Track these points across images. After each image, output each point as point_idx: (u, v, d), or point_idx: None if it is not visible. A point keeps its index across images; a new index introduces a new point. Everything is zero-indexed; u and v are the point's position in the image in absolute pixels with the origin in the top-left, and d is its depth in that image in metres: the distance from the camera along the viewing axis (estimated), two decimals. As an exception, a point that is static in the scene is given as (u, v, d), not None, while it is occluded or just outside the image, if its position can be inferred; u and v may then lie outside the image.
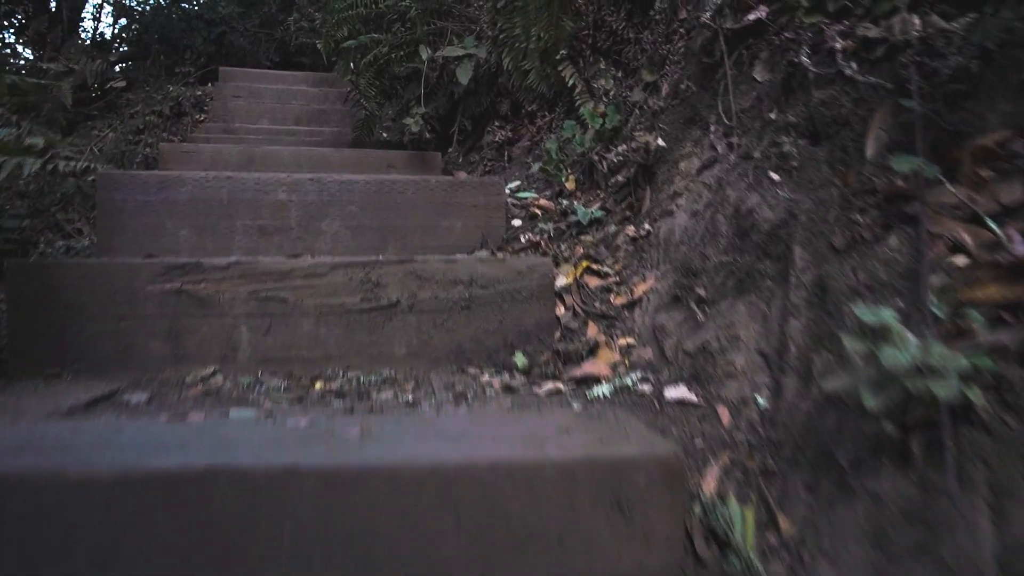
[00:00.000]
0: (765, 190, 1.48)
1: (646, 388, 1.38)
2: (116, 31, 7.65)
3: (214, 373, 1.61)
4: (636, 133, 2.09)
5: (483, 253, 2.22)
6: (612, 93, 2.44)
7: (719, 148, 1.81)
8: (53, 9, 6.65)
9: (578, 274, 1.82)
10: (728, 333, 1.37)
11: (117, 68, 7.20)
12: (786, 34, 1.68)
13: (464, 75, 3.07)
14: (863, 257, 1.15)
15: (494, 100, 3.31)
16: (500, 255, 2.04)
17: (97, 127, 5.81)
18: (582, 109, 2.58)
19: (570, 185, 2.44)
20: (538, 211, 2.39)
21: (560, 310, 1.75)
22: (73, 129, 5.79)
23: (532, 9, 2.80)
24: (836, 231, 1.23)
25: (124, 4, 8.05)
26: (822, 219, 1.28)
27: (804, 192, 1.39)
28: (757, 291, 1.36)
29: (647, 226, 1.89)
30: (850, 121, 1.39)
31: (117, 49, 7.26)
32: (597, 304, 1.75)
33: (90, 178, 4.12)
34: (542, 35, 2.71)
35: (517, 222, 2.37)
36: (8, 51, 5.14)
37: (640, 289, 1.72)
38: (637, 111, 2.24)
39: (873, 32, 1.38)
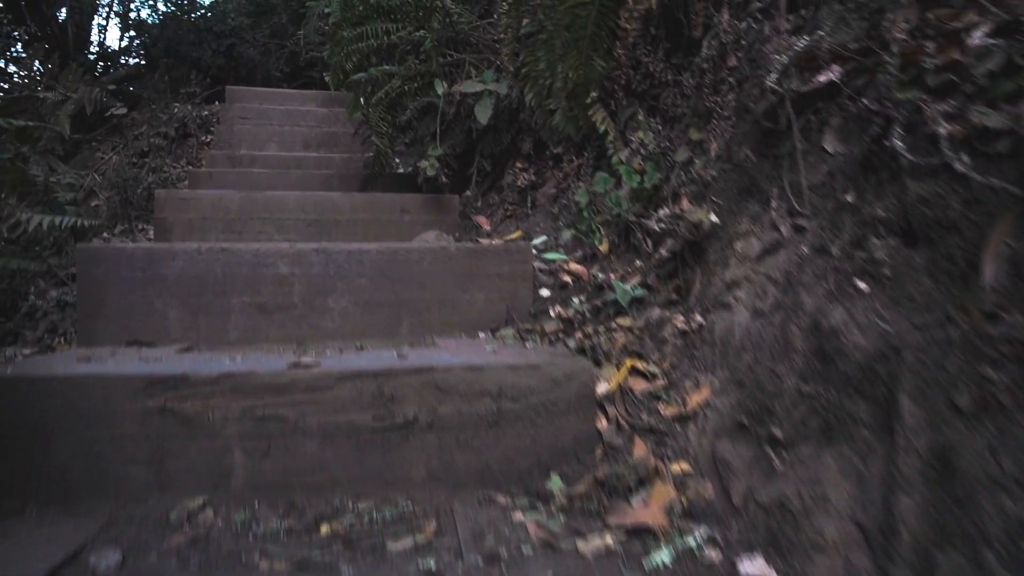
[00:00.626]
0: (852, 304, 1.24)
1: (714, 556, 1.15)
2: (123, 45, 7.47)
3: (203, 506, 1.39)
4: (684, 207, 1.85)
5: (508, 331, 1.99)
6: (651, 147, 2.20)
7: (783, 230, 1.57)
8: (61, 21, 6.47)
9: (621, 379, 1.59)
10: (813, 491, 1.13)
11: (127, 85, 7.03)
12: (865, 101, 1.44)
13: (483, 114, 2.84)
14: (1004, 433, 0.91)
15: (515, 138, 3.08)
16: (530, 344, 1.81)
17: (101, 149, 5.63)
18: (614, 158, 2.35)
19: (603, 247, 2.20)
20: (569, 278, 2.16)
21: (602, 423, 1.52)
22: (77, 151, 5.62)
23: (558, 45, 2.56)
24: (959, 386, 0.99)
25: (132, 18, 7.89)
26: (937, 363, 1.04)
27: (905, 314, 1.15)
28: (849, 441, 1.12)
29: (699, 317, 1.65)
30: (959, 226, 1.15)
31: (124, 64, 7.08)
32: (644, 416, 1.51)
33: (94, 203, 3.93)
34: (570, 75, 2.47)
35: (545, 292, 2.14)
36: (14, 68, 4.94)
37: (694, 400, 1.48)
38: (681, 172, 2.00)
39: (994, 120, 1.13)
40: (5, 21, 5.57)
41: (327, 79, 3.21)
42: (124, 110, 4.41)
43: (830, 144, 1.54)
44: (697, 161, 1.96)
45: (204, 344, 1.88)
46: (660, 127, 2.32)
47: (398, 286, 1.99)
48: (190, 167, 5.08)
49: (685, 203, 1.94)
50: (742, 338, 1.49)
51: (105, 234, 4.11)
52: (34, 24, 5.79)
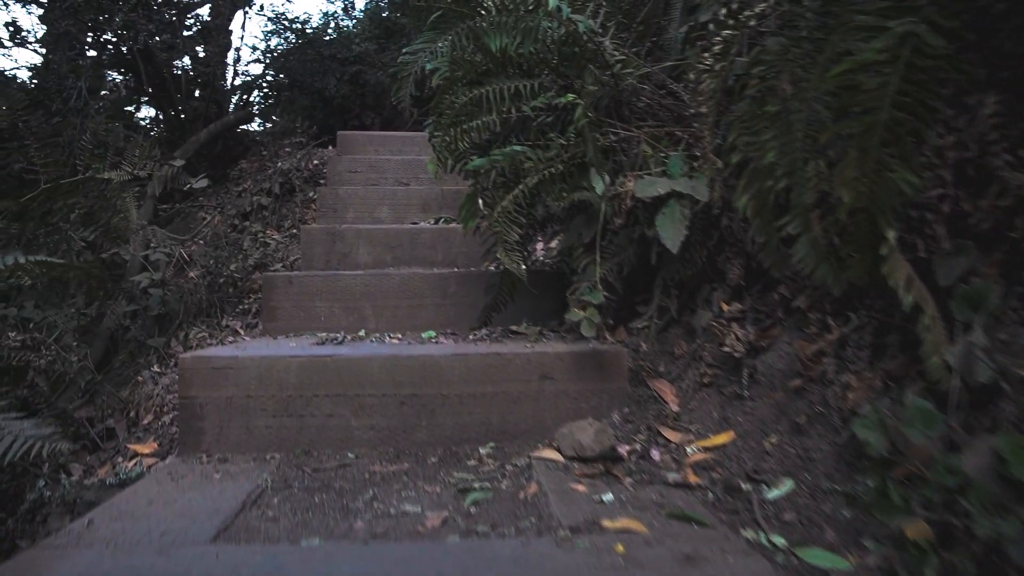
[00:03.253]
0: None
1: None
2: (239, 83, 6.95)
3: None
4: None
5: None
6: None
7: None
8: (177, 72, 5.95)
9: None
10: None
11: (255, 124, 6.47)
12: None
13: (671, 234, 1.76)
14: None
15: (713, 254, 1.97)
16: None
17: (205, 208, 5.02)
18: (934, 358, 1.23)
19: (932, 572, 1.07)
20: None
21: None
22: (178, 214, 5.03)
23: (800, 127, 1.46)
24: None
25: (262, 48, 7.39)
26: None
27: None
28: None
29: None
30: None
31: (242, 105, 6.52)
32: None
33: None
34: (844, 194, 1.34)
35: None
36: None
37: None
38: None
39: None
40: (105, 66, 5.03)
41: (428, 166, 2.23)
42: (205, 182, 3.67)
43: None
44: None
45: None
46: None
47: None
48: (286, 235, 4.32)
49: None
50: None
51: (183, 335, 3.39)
52: (145, 74, 5.23)
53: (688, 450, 1.69)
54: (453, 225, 3.57)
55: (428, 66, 2.14)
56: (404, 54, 2.13)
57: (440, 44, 2.13)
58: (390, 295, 2.73)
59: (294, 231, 4.50)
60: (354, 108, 7.49)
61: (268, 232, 4.50)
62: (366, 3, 8.83)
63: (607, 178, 1.94)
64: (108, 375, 3.61)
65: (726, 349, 1.75)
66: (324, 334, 2.61)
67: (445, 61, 2.14)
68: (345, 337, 2.53)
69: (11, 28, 5.39)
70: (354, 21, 8.50)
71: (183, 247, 4.42)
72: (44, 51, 5.38)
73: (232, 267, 3.60)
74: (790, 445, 1.53)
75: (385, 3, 8.18)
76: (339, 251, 3.41)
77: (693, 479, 1.55)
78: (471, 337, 2.44)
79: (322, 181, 4.78)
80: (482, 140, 2.25)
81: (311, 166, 4.88)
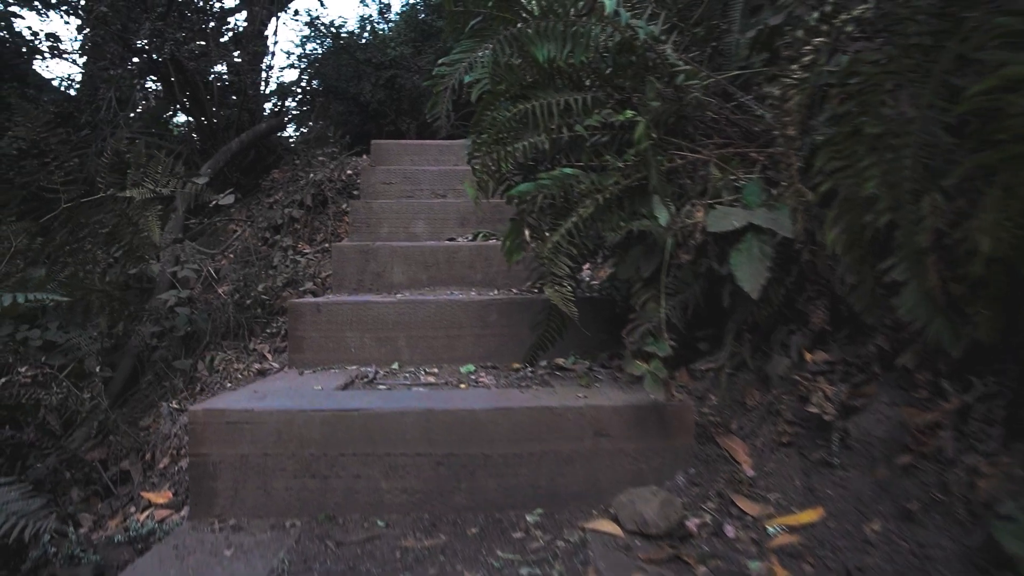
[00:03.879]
0: None
1: None
2: (271, 89, 6.81)
3: None
4: None
5: None
6: None
7: None
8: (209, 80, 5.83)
9: None
10: None
11: (286, 133, 6.33)
12: None
13: (750, 276, 1.51)
14: None
15: (792, 292, 1.72)
16: None
17: (236, 220, 4.87)
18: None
19: None
20: None
21: None
22: (210, 226, 4.90)
23: (910, 160, 1.22)
24: None
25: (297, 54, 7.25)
26: None
27: None
28: None
29: None
30: None
31: (276, 112, 6.39)
32: None
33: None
34: (983, 243, 1.09)
35: None
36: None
37: None
38: None
39: None
40: (138, 75, 4.91)
41: (466, 189, 2.01)
42: (231, 199, 3.50)
43: None
44: None
45: None
46: None
47: None
48: (316, 250, 4.15)
49: None
50: None
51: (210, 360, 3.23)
52: (177, 83, 5.10)
53: (769, 529, 1.44)
54: (492, 242, 3.35)
55: (467, 78, 1.92)
56: (440, 65, 1.91)
57: (480, 53, 1.91)
58: (426, 324, 2.51)
59: (326, 245, 4.33)
60: (389, 113, 7.31)
61: (300, 246, 4.34)
62: (402, 6, 8.67)
63: (672, 209, 1.70)
64: (135, 396, 3.47)
65: (813, 409, 1.50)
66: (354, 368, 2.41)
67: (486, 72, 1.92)
68: (377, 372, 2.33)
69: (51, 39, 5.33)
70: (390, 25, 8.33)
71: (213, 261, 4.28)
72: (83, 61, 5.30)
73: (260, 287, 3.42)
74: (899, 536, 1.27)
75: (421, 5, 7.99)
76: (372, 270, 3.21)
77: (781, 572, 1.30)
78: (514, 376, 2.22)
79: (355, 192, 4.60)
80: (527, 160, 2.03)
81: (344, 176, 4.70)
